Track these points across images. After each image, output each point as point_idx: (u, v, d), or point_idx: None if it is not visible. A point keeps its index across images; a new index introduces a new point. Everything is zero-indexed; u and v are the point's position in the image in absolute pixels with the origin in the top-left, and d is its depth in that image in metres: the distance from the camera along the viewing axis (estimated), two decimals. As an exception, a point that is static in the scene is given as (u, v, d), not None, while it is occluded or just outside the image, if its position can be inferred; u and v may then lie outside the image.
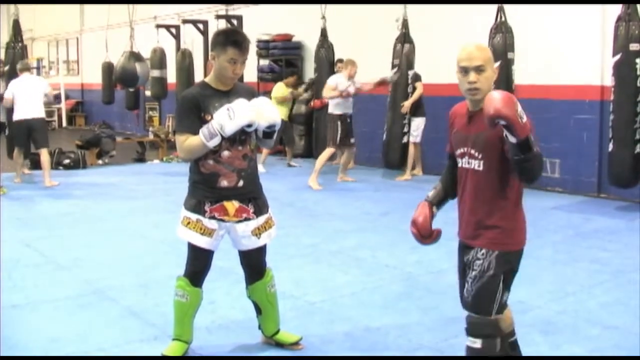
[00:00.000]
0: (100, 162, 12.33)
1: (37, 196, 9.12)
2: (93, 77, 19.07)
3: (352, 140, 9.97)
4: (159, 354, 3.87)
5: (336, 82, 9.65)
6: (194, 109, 3.64)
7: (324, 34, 11.66)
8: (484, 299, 3.11)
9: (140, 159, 12.86)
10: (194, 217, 3.72)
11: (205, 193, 3.73)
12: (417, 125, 10.22)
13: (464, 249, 3.25)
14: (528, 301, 4.85)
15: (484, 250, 3.12)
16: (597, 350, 3.99)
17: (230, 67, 3.63)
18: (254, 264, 3.93)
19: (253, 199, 3.81)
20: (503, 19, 8.80)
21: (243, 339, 4.20)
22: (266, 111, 3.67)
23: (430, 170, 10.30)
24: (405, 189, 9.51)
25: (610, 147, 7.95)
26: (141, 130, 17.68)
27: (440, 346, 3.92)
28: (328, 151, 9.82)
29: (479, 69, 3.00)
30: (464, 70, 3.04)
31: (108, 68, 16.85)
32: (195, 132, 3.58)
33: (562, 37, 9.16)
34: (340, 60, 10.77)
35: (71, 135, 16.16)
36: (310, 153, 12.66)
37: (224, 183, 3.71)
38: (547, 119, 9.39)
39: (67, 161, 11.60)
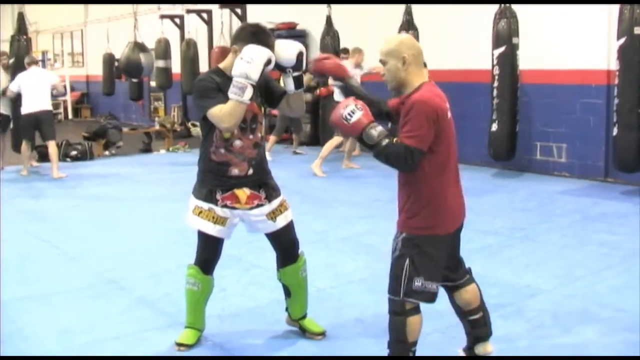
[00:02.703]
0: (107, 153, 12.36)
1: (45, 188, 9.16)
2: (98, 69, 19.03)
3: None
4: (172, 342, 3.91)
5: None
6: (216, 87, 3.61)
7: (329, 22, 11.62)
8: (392, 279, 3.25)
9: (147, 150, 12.88)
10: (205, 206, 3.74)
11: (215, 182, 3.74)
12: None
13: None
14: (537, 285, 4.88)
15: (397, 233, 3.27)
16: (608, 333, 4.01)
17: None
18: (285, 246, 3.93)
19: (263, 184, 3.83)
20: (507, 4, 8.79)
21: (255, 325, 4.24)
22: (281, 43, 3.68)
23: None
24: None
25: (615, 131, 7.93)
26: (146, 121, 17.69)
27: (450, 331, 3.93)
28: (336, 139, 9.83)
29: (382, 62, 3.26)
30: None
31: (109, 59, 16.85)
32: (224, 103, 3.52)
33: (567, 21, 9.12)
34: (345, 51, 10.75)
35: (77, 127, 16.19)
36: (317, 141, 12.66)
37: (235, 172, 3.73)
38: (554, 103, 9.39)
39: (74, 153, 11.62)
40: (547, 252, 5.71)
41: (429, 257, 3.20)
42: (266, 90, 3.85)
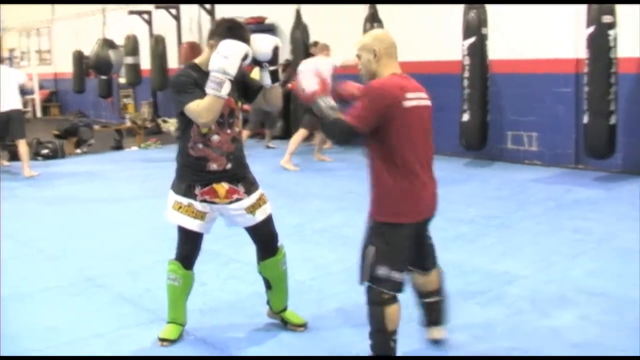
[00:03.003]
0: (78, 151, 12.26)
1: (18, 187, 9.06)
2: (66, 67, 18.87)
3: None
4: (155, 338, 3.91)
5: None
6: (193, 82, 3.61)
7: (298, 16, 11.62)
8: (359, 264, 3.41)
9: (118, 147, 12.79)
10: (185, 201, 3.75)
11: (194, 177, 3.74)
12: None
13: None
14: (514, 272, 4.95)
15: (367, 221, 3.41)
16: (585, 317, 4.09)
17: None
18: (265, 239, 3.96)
19: (242, 178, 3.84)
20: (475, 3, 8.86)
21: (236, 319, 4.26)
22: (257, 37, 3.70)
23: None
24: None
25: (586, 119, 8.04)
26: (116, 118, 17.57)
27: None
28: (301, 132, 9.85)
29: (358, 57, 3.45)
30: None
31: (79, 56, 16.74)
32: (201, 98, 3.53)
33: (535, 11, 9.21)
34: (315, 44, 10.76)
35: (47, 125, 16.00)
36: (288, 134, 12.64)
37: (214, 166, 3.73)
38: (523, 93, 9.50)
39: (45, 151, 11.52)
40: (522, 239, 5.79)
41: (392, 246, 3.28)
42: (243, 85, 3.85)
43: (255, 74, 4.16)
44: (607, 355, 3.60)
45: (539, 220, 6.39)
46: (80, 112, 18.08)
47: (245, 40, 3.61)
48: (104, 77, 14.97)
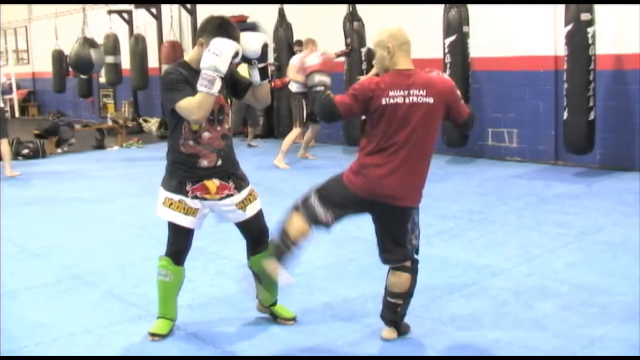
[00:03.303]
0: (59, 150, 12.21)
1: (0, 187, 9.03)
2: (44, 66, 18.78)
3: (318, 118, 10.08)
4: (145, 333, 3.94)
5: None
6: (183, 80, 3.65)
7: (281, 14, 11.66)
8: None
9: (100, 146, 12.76)
10: (176, 197, 3.79)
11: (185, 173, 3.79)
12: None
13: None
14: (497, 265, 5.04)
15: None
16: (567, 307, 4.18)
17: None
18: (255, 234, 4.02)
19: (232, 174, 3.90)
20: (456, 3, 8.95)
21: (226, 314, 4.30)
22: (246, 35, 3.76)
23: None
24: None
25: (565, 115, 8.17)
26: (96, 118, 17.52)
27: (418, 312, 4.04)
28: (295, 131, 9.91)
29: (371, 51, 3.66)
30: None
31: (59, 56, 16.66)
32: (192, 95, 3.58)
33: (514, 9, 9.34)
34: (299, 43, 10.82)
35: (25, 125, 15.94)
36: (271, 133, 12.72)
37: (204, 163, 3.78)
38: (504, 90, 9.63)
39: (26, 151, 11.46)
40: (505, 234, 5.89)
41: (336, 193, 3.60)
42: (232, 82, 3.90)
43: (243, 71, 4.20)
44: (608, 354, 3.68)
45: (521, 215, 6.49)
46: (59, 111, 17.97)
47: (235, 38, 3.66)
48: (83, 76, 14.90)
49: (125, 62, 15.15)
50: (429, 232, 5.46)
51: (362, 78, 10.14)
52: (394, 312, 3.76)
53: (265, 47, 3.78)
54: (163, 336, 3.91)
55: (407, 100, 3.46)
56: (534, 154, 9.41)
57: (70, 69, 16.32)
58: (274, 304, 4.14)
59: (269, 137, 12.67)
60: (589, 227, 5.94)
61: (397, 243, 3.67)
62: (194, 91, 3.58)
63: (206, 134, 3.76)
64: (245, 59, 3.76)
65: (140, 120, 15.25)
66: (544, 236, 5.75)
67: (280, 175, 9.08)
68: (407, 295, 3.74)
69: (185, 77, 3.67)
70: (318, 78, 3.64)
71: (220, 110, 3.81)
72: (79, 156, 11.87)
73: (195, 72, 3.63)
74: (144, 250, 5.74)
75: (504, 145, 9.72)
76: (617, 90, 8.48)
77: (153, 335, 3.91)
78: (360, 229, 6.11)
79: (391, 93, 3.46)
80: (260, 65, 3.81)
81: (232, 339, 3.92)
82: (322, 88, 3.61)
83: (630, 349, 3.60)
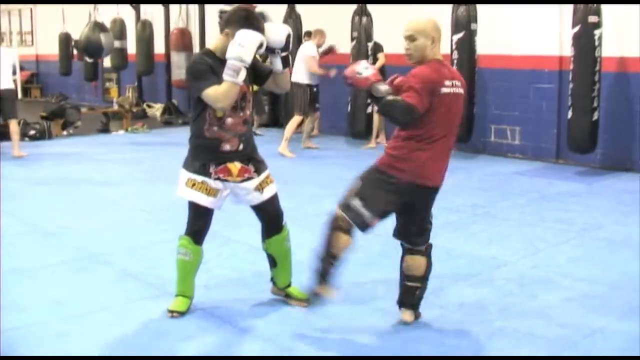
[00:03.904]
0: (65, 132, 12.30)
1: (8, 166, 9.12)
2: (48, 49, 18.82)
3: (317, 106, 10.29)
4: (163, 310, 4.08)
5: (314, 53, 9.95)
6: (208, 69, 3.80)
7: (291, 5, 11.74)
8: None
9: (105, 130, 12.85)
10: (199, 178, 3.93)
11: (209, 156, 3.94)
12: (381, 94, 10.43)
13: None
14: (502, 257, 5.20)
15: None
16: (570, 299, 4.34)
17: None
18: (271, 217, 4.19)
19: (252, 158, 4.06)
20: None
21: (241, 294, 4.45)
22: (272, 26, 3.94)
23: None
24: (373, 156, 9.55)
25: (570, 114, 8.32)
26: (99, 102, 17.59)
27: (428, 299, 4.15)
28: (296, 119, 10.07)
29: (410, 38, 3.71)
30: (404, 39, 3.76)
31: (65, 39, 16.71)
32: (218, 84, 3.73)
33: (522, 9, 9.47)
34: (308, 34, 10.92)
35: (28, 107, 15.97)
36: (276, 122, 12.84)
37: (227, 147, 3.93)
38: (508, 87, 9.76)
39: (32, 132, 11.57)
40: (508, 228, 6.04)
41: (380, 190, 3.65)
42: (254, 70, 4.05)
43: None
44: (608, 345, 3.83)
45: (523, 210, 6.64)
46: (62, 94, 18.10)
47: (260, 29, 3.83)
48: (90, 60, 14.97)
49: (131, 48, 15.24)
50: (434, 224, 5.57)
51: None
52: (412, 295, 3.92)
53: (289, 37, 3.94)
54: (182, 313, 4.05)
55: (452, 91, 3.65)
56: (535, 151, 9.56)
57: (75, 52, 16.44)
58: (289, 285, 4.29)
59: (274, 126, 12.78)
60: (590, 225, 6.10)
61: (422, 226, 3.87)
62: (219, 79, 3.74)
63: (229, 120, 3.90)
64: (269, 48, 3.92)
65: (144, 106, 15.33)
66: (546, 231, 5.91)
67: (286, 164, 9.20)
68: (424, 278, 3.90)
69: (211, 66, 3.83)
70: (383, 87, 3.64)
71: (243, 97, 3.95)
72: (84, 139, 11.96)
73: (220, 61, 3.80)
74: (153, 234, 5.88)
75: (506, 142, 9.88)
76: (619, 92, 8.63)
77: (172, 312, 4.05)
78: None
79: (446, 83, 3.63)
80: (283, 54, 3.97)
81: (248, 318, 4.06)
82: (392, 96, 3.61)
83: (629, 340, 3.75)
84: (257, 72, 4.08)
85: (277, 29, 3.95)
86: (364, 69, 3.73)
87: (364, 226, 3.70)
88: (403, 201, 3.72)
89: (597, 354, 3.61)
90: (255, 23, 3.84)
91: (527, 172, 8.64)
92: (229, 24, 3.88)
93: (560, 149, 9.20)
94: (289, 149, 9.87)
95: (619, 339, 3.77)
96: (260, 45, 3.76)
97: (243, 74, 3.72)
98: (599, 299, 4.36)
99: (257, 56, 3.92)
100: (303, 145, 10.43)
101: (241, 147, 3.98)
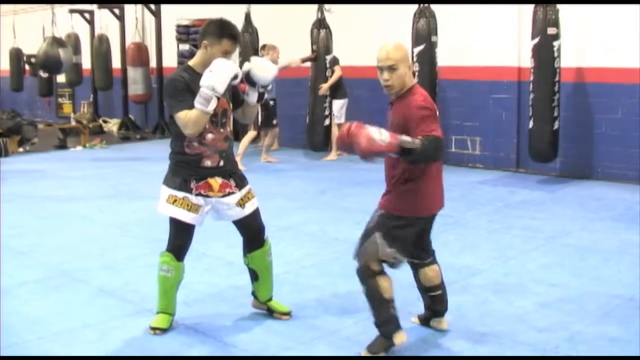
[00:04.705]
0: (21, 149, 12.13)
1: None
2: (-2, 64, 18.53)
3: (275, 122, 10.29)
4: (145, 327, 4.07)
5: None
6: (187, 89, 3.81)
7: (247, 19, 11.75)
8: (359, 246, 3.80)
9: (62, 146, 12.70)
10: (180, 194, 3.93)
11: (190, 172, 3.94)
12: (339, 106, 10.50)
13: None
14: (475, 265, 5.29)
15: (376, 209, 3.76)
16: (545, 305, 4.43)
17: (223, 58, 3.82)
18: (252, 231, 4.18)
19: (233, 174, 4.09)
20: (426, 4, 9.20)
21: (221, 309, 4.45)
22: (262, 64, 4.01)
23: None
24: (334, 168, 9.88)
25: (531, 124, 8.49)
26: (53, 118, 17.35)
27: (409, 308, 4.22)
28: (251, 134, 10.15)
29: (391, 68, 3.54)
30: (380, 69, 3.60)
31: (16, 54, 16.49)
32: (191, 108, 3.75)
33: (481, 21, 9.66)
34: (264, 47, 10.92)
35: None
36: (236, 137, 12.78)
37: (208, 163, 3.95)
38: (468, 98, 9.93)
39: (-12, 150, 11.40)
40: (478, 236, 6.15)
41: (405, 233, 3.66)
42: (233, 92, 4.10)
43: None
44: (588, 347, 3.92)
45: (491, 219, 6.76)
46: (14, 110, 17.74)
47: (237, 35, 3.92)
48: (45, 75, 14.79)
49: (85, 63, 15.10)
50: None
51: (325, 85, 10.18)
52: (442, 302, 4.02)
53: (274, 78, 4.08)
54: (164, 330, 4.04)
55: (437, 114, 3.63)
56: (496, 161, 9.73)
57: (27, 67, 16.21)
58: (270, 299, 4.30)
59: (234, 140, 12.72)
60: (557, 232, 6.24)
61: (429, 242, 3.97)
62: (194, 97, 3.75)
63: (210, 136, 3.92)
64: (251, 82, 3.97)
65: (101, 121, 15.19)
66: (515, 239, 6.03)
67: (249, 179, 9.13)
68: (443, 282, 4.02)
69: (187, 83, 3.84)
70: (408, 138, 3.36)
71: (224, 113, 3.98)
72: (42, 155, 11.81)
73: (198, 75, 3.81)
74: (127, 249, 5.84)
75: (467, 153, 10.03)
76: (578, 101, 8.84)
77: (154, 329, 4.04)
78: (339, 230, 6.36)
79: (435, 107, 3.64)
80: (262, 90, 4.07)
81: (231, 333, 4.07)
82: (419, 140, 3.35)
83: (607, 342, 3.86)
84: (234, 97, 4.12)
85: (266, 68, 4.02)
86: (377, 133, 3.33)
87: (398, 266, 3.79)
88: (419, 231, 3.78)
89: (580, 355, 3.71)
90: (230, 31, 3.90)
91: (490, 181, 8.79)
92: (206, 35, 3.91)
93: (521, 158, 9.39)
94: (242, 162, 9.84)
95: (598, 342, 3.87)
96: (235, 77, 3.81)
97: (214, 104, 3.74)
98: (573, 303, 4.47)
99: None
100: (262, 160, 10.45)
101: (222, 163, 4.00)
